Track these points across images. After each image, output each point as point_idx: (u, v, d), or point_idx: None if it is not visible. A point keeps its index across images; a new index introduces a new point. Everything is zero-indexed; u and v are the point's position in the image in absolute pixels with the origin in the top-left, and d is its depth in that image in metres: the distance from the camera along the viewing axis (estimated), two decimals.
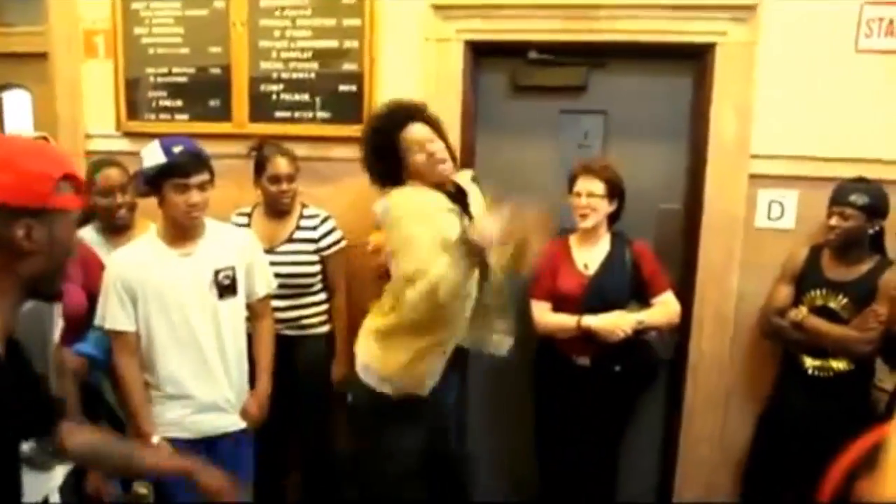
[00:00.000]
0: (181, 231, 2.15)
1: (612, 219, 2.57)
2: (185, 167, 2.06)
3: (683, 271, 2.87)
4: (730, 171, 2.69)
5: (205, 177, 2.10)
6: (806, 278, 2.47)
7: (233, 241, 2.29)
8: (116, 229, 2.47)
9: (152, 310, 2.13)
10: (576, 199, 2.49)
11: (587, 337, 2.40)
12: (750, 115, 2.65)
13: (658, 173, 2.90)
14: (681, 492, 2.89)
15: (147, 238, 2.21)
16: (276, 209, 2.71)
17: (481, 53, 2.89)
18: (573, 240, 2.59)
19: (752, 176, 2.69)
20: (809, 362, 2.42)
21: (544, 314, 2.53)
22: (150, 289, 2.12)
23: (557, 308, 2.51)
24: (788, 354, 2.51)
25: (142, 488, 2.26)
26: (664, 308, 2.51)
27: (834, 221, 2.36)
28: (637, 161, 2.87)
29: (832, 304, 2.39)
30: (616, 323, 2.38)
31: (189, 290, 2.15)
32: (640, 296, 2.52)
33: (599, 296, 2.45)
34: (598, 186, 2.47)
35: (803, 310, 2.42)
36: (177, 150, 2.06)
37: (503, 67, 2.92)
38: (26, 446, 1.64)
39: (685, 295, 2.82)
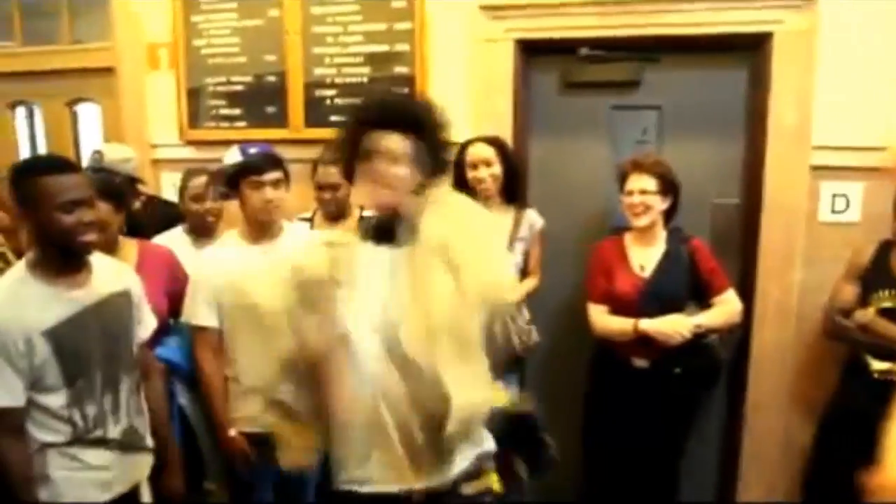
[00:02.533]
0: (260, 229, 2.25)
1: (668, 215, 2.50)
2: (260, 165, 2.19)
3: (743, 267, 2.81)
4: (790, 164, 2.62)
5: (278, 175, 2.21)
6: (873, 277, 2.36)
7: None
8: (204, 232, 2.65)
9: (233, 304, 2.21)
10: (628, 197, 2.44)
11: (645, 340, 2.36)
12: (810, 105, 2.57)
13: (714, 167, 2.84)
14: (743, 491, 2.83)
15: (229, 237, 2.33)
16: (327, 214, 2.78)
17: (531, 52, 2.88)
18: (628, 239, 2.54)
19: (813, 168, 2.61)
20: (876, 365, 2.31)
21: (601, 317, 2.49)
22: (232, 285, 2.20)
23: (615, 310, 2.47)
24: (853, 355, 2.41)
25: (211, 485, 2.36)
26: (724, 308, 2.45)
27: None
28: (692, 156, 2.83)
29: None
30: (674, 327, 2.33)
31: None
32: (699, 295, 2.46)
33: (656, 298, 2.40)
34: (651, 183, 2.42)
35: (870, 311, 2.31)
36: (252, 151, 2.23)
37: (554, 65, 2.91)
38: (115, 431, 1.75)
39: (746, 291, 2.76)
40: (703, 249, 2.49)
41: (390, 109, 1.57)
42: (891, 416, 0.46)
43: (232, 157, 2.23)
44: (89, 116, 3.59)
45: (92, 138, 3.58)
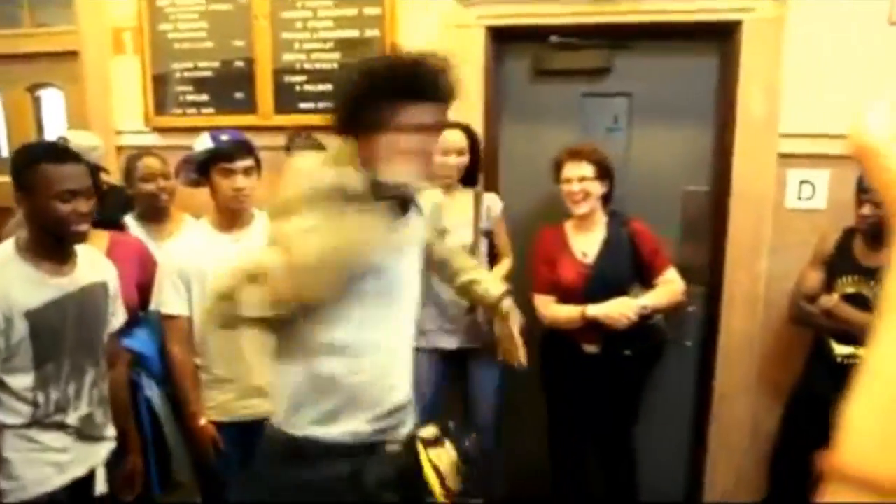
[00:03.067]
0: (231, 217, 2.23)
1: (605, 200, 2.52)
2: (231, 152, 2.16)
3: (712, 253, 2.84)
4: (758, 151, 2.65)
5: (249, 162, 2.19)
6: (837, 264, 2.40)
7: None
8: (155, 217, 2.62)
9: (205, 294, 2.18)
10: (566, 185, 2.44)
11: (594, 325, 2.38)
12: (778, 93, 2.59)
13: (684, 155, 2.86)
14: (712, 477, 2.87)
15: (199, 225, 2.30)
16: None
17: (502, 39, 2.87)
18: (569, 227, 2.55)
19: (781, 155, 2.63)
20: (839, 350, 2.35)
21: (548, 307, 2.50)
22: (203, 273, 2.18)
23: (561, 299, 2.48)
24: (818, 340, 2.45)
25: (181, 478, 2.35)
26: (667, 287, 2.48)
27: (866, 210, 2.26)
28: (662, 143, 2.85)
29: (865, 292, 2.30)
30: (620, 310, 2.35)
31: None
32: (642, 276, 2.48)
33: (601, 284, 2.42)
34: (588, 169, 2.42)
35: (834, 297, 2.35)
36: (223, 137, 2.20)
37: (525, 52, 2.90)
38: (74, 418, 1.76)
39: (714, 277, 2.80)
40: (643, 231, 2.52)
41: (433, 81, 1.45)
42: (846, 398, 0.46)
43: (202, 143, 2.20)
44: (52, 102, 3.51)
45: (55, 125, 3.50)
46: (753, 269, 2.71)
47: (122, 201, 2.63)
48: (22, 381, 1.68)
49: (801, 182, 2.64)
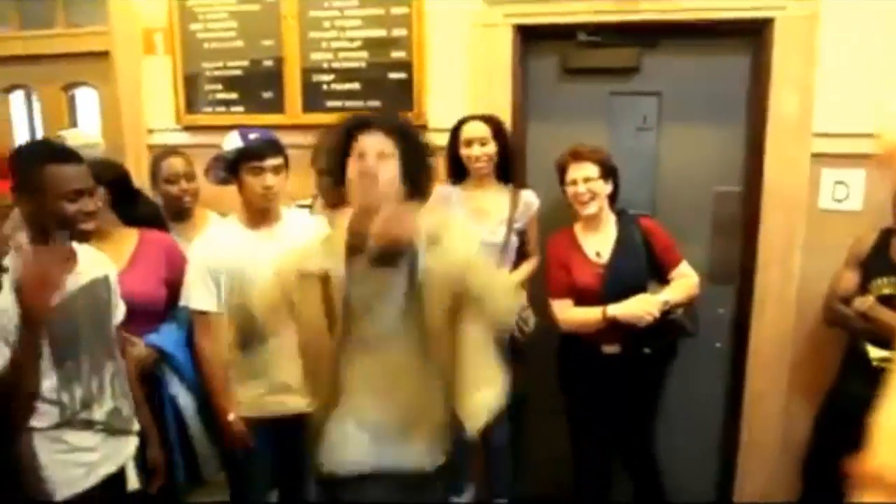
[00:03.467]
0: (259, 215, 2.24)
1: (611, 199, 2.51)
2: (260, 151, 2.17)
3: (743, 254, 2.80)
4: (791, 151, 2.60)
5: (278, 161, 2.21)
6: (873, 264, 2.34)
7: (307, 228, 2.35)
8: (179, 216, 2.64)
9: (234, 290, 2.20)
10: (572, 187, 2.43)
11: (614, 325, 2.35)
12: (812, 92, 2.55)
13: (714, 155, 2.82)
14: (742, 481, 2.83)
15: (227, 223, 2.32)
16: (327, 201, 2.76)
17: (530, 37, 2.85)
18: (578, 229, 2.53)
19: (814, 155, 2.59)
20: (874, 353, 2.29)
21: (566, 311, 2.47)
22: (232, 269, 2.20)
23: (578, 302, 2.46)
24: (852, 343, 2.40)
25: (209, 474, 2.36)
26: (683, 281, 2.45)
27: None
28: (692, 143, 2.82)
29: None
30: (643, 308, 2.33)
31: (268, 272, 2.22)
32: (656, 272, 2.46)
33: (618, 283, 2.39)
34: (593, 170, 2.41)
35: (869, 299, 2.30)
36: (252, 136, 2.21)
37: (553, 51, 2.88)
38: (101, 413, 1.76)
39: (746, 279, 2.75)
40: (653, 227, 2.50)
41: (375, 116, 1.66)
42: (879, 404, 0.45)
43: (232, 142, 2.21)
44: (87, 101, 3.57)
45: (89, 123, 3.56)
46: (786, 270, 2.66)
47: (152, 212, 2.63)
48: (45, 383, 1.66)
49: (836, 182, 2.59)
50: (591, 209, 2.43)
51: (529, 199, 2.68)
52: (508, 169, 2.67)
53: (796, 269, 2.66)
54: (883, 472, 0.42)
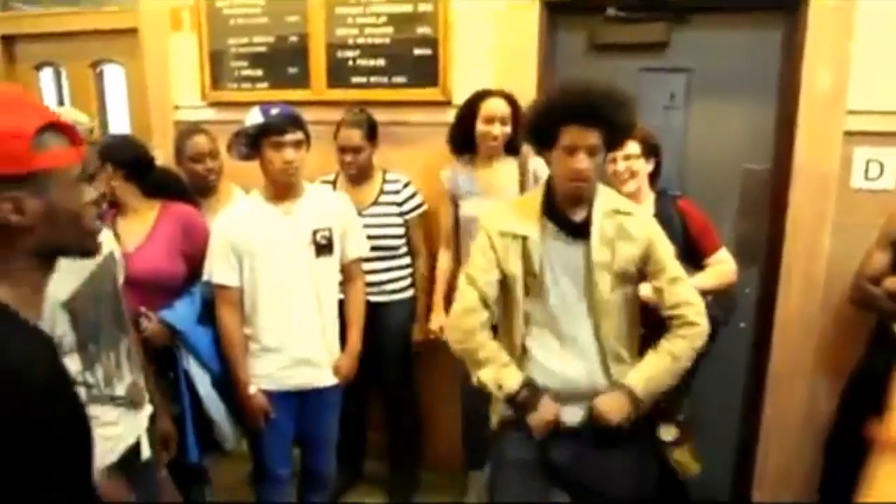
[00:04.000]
0: (281, 190, 2.25)
1: (652, 178, 2.45)
2: (281, 126, 2.18)
3: (771, 233, 2.76)
4: (823, 128, 2.55)
5: (299, 136, 2.21)
6: None
7: (330, 204, 2.38)
8: (203, 191, 2.65)
9: (255, 265, 2.24)
10: (612, 165, 2.37)
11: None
12: (846, 68, 2.49)
13: (744, 132, 2.77)
14: (763, 460, 2.82)
15: (250, 198, 2.34)
16: (349, 177, 2.78)
17: (558, 12, 2.82)
18: None
19: (847, 133, 2.53)
20: None
21: None
22: (254, 245, 2.23)
23: None
24: (880, 324, 2.37)
25: (228, 445, 2.40)
26: (718, 268, 2.39)
27: None
28: (722, 120, 2.78)
29: None
30: None
31: (289, 248, 2.26)
32: (692, 256, 2.39)
33: None
34: (634, 147, 2.36)
35: None
36: (273, 112, 2.20)
37: (581, 26, 2.84)
38: (122, 388, 1.78)
39: (773, 257, 2.72)
40: (692, 210, 2.44)
41: (594, 106, 1.73)
42: None
43: (253, 117, 2.22)
44: (114, 78, 3.60)
45: (117, 100, 3.60)
46: (814, 250, 2.62)
47: (178, 187, 2.64)
48: (71, 365, 1.63)
49: (869, 161, 2.54)
50: (629, 187, 2.37)
51: (538, 165, 2.61)
52: (515, 143, 2.63)
53: (825, 249, 2.62)
54: None
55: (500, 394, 1.87)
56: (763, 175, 2.77)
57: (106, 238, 1.85)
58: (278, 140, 2.17)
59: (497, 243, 1.87)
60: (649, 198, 2.46)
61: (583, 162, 1.73)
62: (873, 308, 2.38)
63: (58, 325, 1.63)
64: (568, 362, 1.88)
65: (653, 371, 1.86)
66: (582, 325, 1.87)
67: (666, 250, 1.89)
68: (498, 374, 1.87)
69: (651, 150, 2.41)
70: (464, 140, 2.67)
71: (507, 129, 2.58)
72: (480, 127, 2.59)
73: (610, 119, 1.72)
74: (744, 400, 2.94)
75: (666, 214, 2.41)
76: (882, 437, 0.44)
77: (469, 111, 2.61)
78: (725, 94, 2.75)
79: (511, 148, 2.65)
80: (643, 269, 1.88)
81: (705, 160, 2.79)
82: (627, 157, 2.37)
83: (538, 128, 1.81)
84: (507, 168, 2.66)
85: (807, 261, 2.64)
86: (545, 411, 1.85)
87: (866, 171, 2.55)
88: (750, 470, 2.86)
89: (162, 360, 2.22)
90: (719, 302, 2.40)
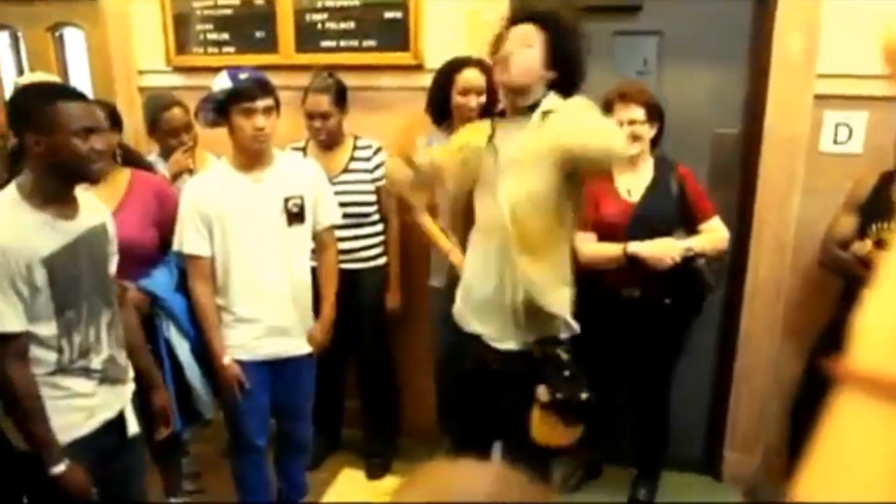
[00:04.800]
0: (251, 157, 2.22)
1: (653, 142, 2.48)
2: (251, 92, 2.13)
3: (741, 197, 2.78)
4: (793, 92, 2.56)
5: (269, 102, 2.16)
6: (872, 208, 2.32)
7: (301, 171, 2.36)
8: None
9: (227, 234, 2.21)
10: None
11: (634, 267, 2.35)
12: (817, 32, 2.49)
13: (715, 96, 2.77)
14: (734, 421, 2.88)
15: (219, 165, 2.30)
16: (319, 143, 2.74)
17: None
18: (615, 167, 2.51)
19: (817, 97, 2.54)
20: None
21: (588, 245, 2.44)
22: (224, 214, 2.20)
23: (602, 238, 2.44)
24: (848, 287, 2.41)
25: (207, 415, 2.40)
26: (713, 234, 2.44)
27: None
28: (694, 84, 2.77)
29: None
30: (664, 250, 2.32)
31: (260, 216, 2.23)
32: (686, 222, 2.44)
33: (645, 223, 2.38)
34: (639, 112, 2.38)
35: (868, 243, 2.29)
36: (242, 76, 2.15)
37: None
38: (97, 362, 1.76)
39: (743, 222, 2.75)
40: (689, 177, 2.48)
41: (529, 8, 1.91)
42: (861, 303, 0.45)
43: (221, 82, 2.16)
44: (75, 42, 3.48)
45: (79, 65, 3.48)
46: (784, 214, 2.65)
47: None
48: (45, 328, 1.66)
49: (837, 124, 2.56)
50: (632, 150, 2.39)
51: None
52: (490, 110, 2.61)
53: (794, 212, 2.65)
54: (861, 370, 0.42)
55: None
56: (734, 139, 2.78)
57: (98, 209, 1.85)
58: (248, 106, 2.13)
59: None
60: (648, 162, 2.48)
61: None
62: (841, 271, 2.42)
63: (35, 281, 1.63)
64: None
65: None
66: None
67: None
68: None
69: (655, 114, 2.43)
70: (441, 109, 2.64)
71: (483, 99, 2.55)
72: (457, 99, 2.56)
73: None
74: (716, 361, 2.99)
75: (664, 179, 2.44)
76: (839, 370, 0.44)
77: (445, 80, 2.58)
78: (697, 58, 2.74)
79: (487, 114, 2.62)
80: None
81: (677, 125, 2.77)
82: (632, 122, 2.39)
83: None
84: None
85: (777, 224, 2.67)
86: None
87: (835, 134, 2.57)
88: (721, 428, 2.93)
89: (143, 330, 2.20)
90: (711, 266, 2.44)
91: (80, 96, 1.70)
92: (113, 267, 1.90)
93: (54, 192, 1.68)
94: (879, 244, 2.28)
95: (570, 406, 1.83)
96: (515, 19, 1.91)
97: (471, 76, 2.54)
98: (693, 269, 2.37)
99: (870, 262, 2.27)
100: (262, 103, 2.14)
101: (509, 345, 1.96)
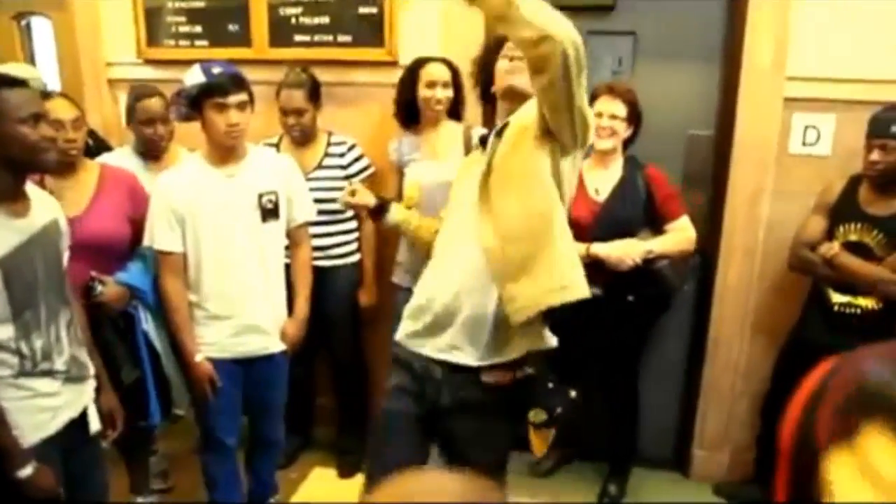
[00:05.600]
0: (224, 153, 2.19)
1: (626, 143, 2.51)
2: (224, 87, 2.10)
3: (713, 198, 2.82)
4: (764, 95, 2.59)
5: (243, 97, 2.14)
6: (841, 211, 2.38)
7: (275, 167, 2.33)
8: (151, 154, 2.56)
9: (199, 230, 2.18)
10: (597, 119, 2.40)
11: (598, 266, 2.36)
12: (786, 35, 2.52)
13: (688, 98, 2.80)
14: (703, 421, 2.92)
15: (192, 160, 2.26)
16: (293, 139, 2.72)
17: None
18: (585, 162, 2.50)
19: (787, 99, 2.58)
20: (836, 298, 2.35)
21: None
22: (197, 209, 2.17)
23: None
24: (815, 288, 2.45)
25: (179, 411, 2.37)
26: (677, 235, 2.47)
27: (875, 156, 2.23)
28: (666, 85, 2.79)
29: (867, 240, 2.30)
30: (625, 251, 2.35)
31: (234, 212, 2.20)
32: (654, 222, 2.47)
33: (611, 223, 2.41)
34: (621, 109, 2.42)
35: (836, 245, 2.34)
36: (216, 71, 2.11)
37: None
38: (60, 363, 1.72)
39: (714, 222, 2.78)
40: (659, 176, 2.51)
41: None
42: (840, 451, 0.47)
43: (194, 76, 2.12)
44: (42, 31, 3.41)
45: (46, 55, 3.41)
46: (754, 215, 2.69)
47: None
48: (3, 332, 1.60)
49: (806, 127, 2.60)
50: (606, 144, 2.43)
51: (481, 133, 2.62)
52: (458, 109, 2.65)
53: (764, 215, 2.69)
54: None
55: None
56: (707, 141, 2.81)
57: (49, 204, 1.78)
58: (221, 101, 2.09)
59: None
60: (619, 161, 2.50)
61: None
62: (810, 273, 2.46)
63: None
64: None
65: None
66: None
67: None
68: None
69: (635, 115, 2.47)
70: (408, 111, 2.65)
71: (449, 92, 2.57)
72: (423, 92, 2.57)
73: None
74: (686, 361, 3.02)
75: (632, 179, 2.46)
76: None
77: (410, 78, 2.61)
78: (670, 58, 2.77)
79: (455, 113, 2.65)
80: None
81: (651, 126, 2.79)
82: (613, 117, 2.42)
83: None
84: (451, 133, 2.64)
85: (747, 225, 2.71)
86: None
87: (804, 137, 2.61)
88: (691, 426, 2.96)
89: (119, 325, 2.19)
90: (675, 268, 2.47)
91: (19, 83, 1.61)
92: (65, 262, 1.84)
93: (5, 189, 1.60)
94: (847, 245, 2.33)
95: (563, 415, 1.81)
96: None
97: (435, 69, 2.57)
98: (655, 270, 2.40)
99: (837, 263, 2.32)
100: (235, 98, 2.11)
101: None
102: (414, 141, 2.68)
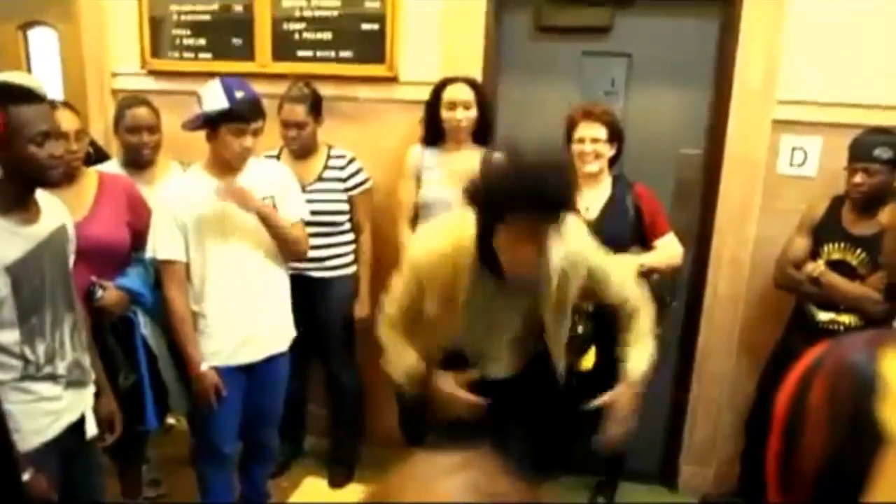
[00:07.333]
0: (228, 167, 2.23)
1: (611, 161, 2.56)
2: (246, 114, 2.14)
3: (703, 216, 2.88)
4: (753, 116, 2.66)
5: (260, 123, 2.20)
6: (825, 230, 2.45)
7: (268, 172, 2.38)
8: (139, 165, 2.56)
9: (201, 239, 2.21)
10: (579, 145, 2.46)
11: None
12: (778, 59, 2.60)
13: (681, 118, 2.87)
14: (690, 434, 2.96)
15: (193, 171, 2.30)
16: (293, 152, 2.76)
17: None
18: None
19: (775, 121, 2.66)
20: (820, 315, 2.41)
21: None
22: (199, 218, 2.20)
23: None
24: (799, 305, 2.51)
25: (173, 418, 2.39)
26: (666, 250, 2.53)
27: (858, 179, 2.30)
28: (660, 105, 2.86)
29: (850, 259, 2.37)
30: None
31: (235, 220, 2.24)
32: (642, 240, 2.52)
33: (600, 241, 2.45)
34: (601, 131, 2.46)
35: (820, 264, 2.40)
36: (238, 95, 2.12)
37: (526, 7, 2.87)
38: (63, 367, 1.74)
39: (703, 239, 2.84)
40: (646, 194, 2.56)
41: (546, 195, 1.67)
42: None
43: (216, 98, 2.12)
44: (44, 42, 3.45)
45: (48, 66, 3.45)
46: (742, 234, 2.75)
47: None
48: (9, 336, 1.62)
49: (794, 148, 2.67)
50: (592, 167, 2.47)
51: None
52: (484, 131, 2.66)
53: (752, 233, 2.75)
54: None
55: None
56: (697, 160, 2.88)
57: (58, 209, 1.81)
58: (241, 127, 2.14)
59: (423, 284, 1.84)
60: (607, 180, 2.55)
61: (532, 253, 1.67)
62: (795, 291, 2.52)
63: None
64: None
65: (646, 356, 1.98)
66: None
67: (603, 259, 1.94)
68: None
69: (616, 135, 2.50)
70: (434, 131, 2.68)
71: (472, 113, 2.59)
72: (444, 113, 2.60)
73: (563, 205, 1.65)
74: (674, 377, 3.07)
75: (621, 197, 2.51)
76: None
77: (433, 100, 2.64)
78: (664, 79, 2.84)
79: (481, 136, 2.67)
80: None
81: (643, 145, 2.87)
82: (595, 141, 2.46)
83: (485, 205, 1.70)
84: (473, 158, 2.62)
85: (735, 243, 2.77)
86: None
87: (791, 158, 2.68)
88: (678, 441, 3.00)
89: (118, 330, 2.21)
90: (664, 283, 2.52)
91: (34, 98, 1.62)
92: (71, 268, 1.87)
93: (14, 199, 1.63)
94: (830, 264, 2.39)
95: None
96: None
97: (456, 90, 2.59)
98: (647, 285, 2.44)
99: (822, 282, 2.38)
100: (254, 126, 2.17)
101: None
102: (436, 156, 2.70)
